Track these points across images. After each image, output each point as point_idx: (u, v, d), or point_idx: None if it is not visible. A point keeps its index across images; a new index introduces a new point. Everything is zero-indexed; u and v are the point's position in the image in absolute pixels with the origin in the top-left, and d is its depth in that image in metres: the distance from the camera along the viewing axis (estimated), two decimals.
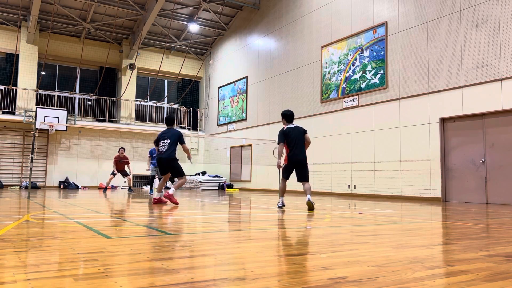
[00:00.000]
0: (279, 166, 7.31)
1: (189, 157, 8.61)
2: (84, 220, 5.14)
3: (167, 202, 8.20)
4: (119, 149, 14.79)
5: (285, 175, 7.39)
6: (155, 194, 8.25)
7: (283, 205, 7.41)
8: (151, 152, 14.01)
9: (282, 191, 7.52)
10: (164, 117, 8.62)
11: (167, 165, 8.09)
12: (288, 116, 7.37)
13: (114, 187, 19.99)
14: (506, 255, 2.91)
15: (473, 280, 2.17)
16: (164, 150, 7.99)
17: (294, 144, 7.10)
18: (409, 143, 12.01)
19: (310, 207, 6.82)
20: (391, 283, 2.07)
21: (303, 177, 7.24)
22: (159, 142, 8.13)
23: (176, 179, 8.34)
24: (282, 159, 7.28)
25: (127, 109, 21.50)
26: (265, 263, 2.56)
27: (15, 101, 18.86)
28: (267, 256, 2.82)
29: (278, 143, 7.18)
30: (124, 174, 14.64)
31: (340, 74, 14.51)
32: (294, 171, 7.30)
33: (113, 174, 14.53)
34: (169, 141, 8.00)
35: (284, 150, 7.27)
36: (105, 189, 15.08)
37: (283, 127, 7.29)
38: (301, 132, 7.27)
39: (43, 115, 17.75)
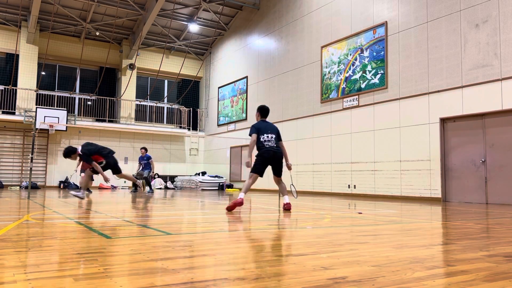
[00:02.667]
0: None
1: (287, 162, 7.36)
2: (84, 220, 5.14)
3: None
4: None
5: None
6: (241, 195, 6.71)
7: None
8: (138, 159, 14.65)
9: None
10: (260, 106, 7.52)
11: (279, 163, 7.12)
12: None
13: (114, 187, 19.98)
14: (506, 255, 2.91)
15: (473, 280, 2.16)
16: (274, 145, 7.02)
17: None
18: (409, 143, 12.01)
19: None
20: (391, 283, 2.07)
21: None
22: (262, 135, 7.03)
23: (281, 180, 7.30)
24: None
25: (127, 109, 21.51)
26: (265, 263, 2.56)
27: (15, 101, 18.86)
28: (267, 256, 2.82)
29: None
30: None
31: (340, 74, 14.51)
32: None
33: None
34: (274, 136, 7.12)
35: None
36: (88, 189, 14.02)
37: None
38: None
39: (43, 115, 17.75)
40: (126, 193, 14.51)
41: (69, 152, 8.96)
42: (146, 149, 14.64)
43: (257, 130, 7.09)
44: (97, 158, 9.24)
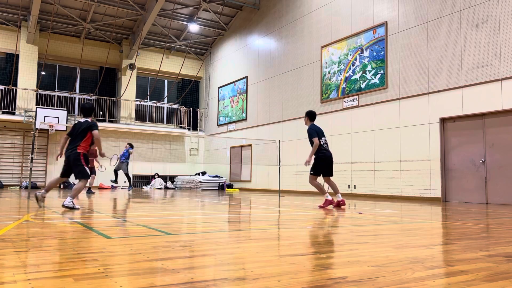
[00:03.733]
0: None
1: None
2: (84, 220, 5.14)
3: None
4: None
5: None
6: (329, 196, 7.53)
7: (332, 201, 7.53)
8: (124, 155, 15.44)
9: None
10: (308, 111, 8.06)
11: (332, 165, 7.70)
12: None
13: (114, 187, 19.99)
14: (506, 255, 2.91)
15: (473, 280, 2.17)
16: (328, 148, 7.70)
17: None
18: (409, 143, 12.01)
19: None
20: (391, 283, 2.07)
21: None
22: (320, 139, 7.58)
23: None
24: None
25: (127, 109, 21.51)
26: (265, 263, 2.56)
27: (15, 101, 18.86)
28: (267, 256, 2.82)
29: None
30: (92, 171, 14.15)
31: (340, 74, 14.51)
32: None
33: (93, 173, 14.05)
34: (326, 139, 7.90)
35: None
36: (89, 189, 13.96)
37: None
38: None
39: (43, 115, 17.75)
40: (126, 193, 14.51)
41: (91, 109, 7.07)
42: (130, 145, 15.60)
43: (317, 133, 7.66)
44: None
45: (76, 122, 6.89)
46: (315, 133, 7.53)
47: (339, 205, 7.47)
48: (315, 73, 15.62)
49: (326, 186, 7.93)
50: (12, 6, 18.47)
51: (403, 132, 12.20)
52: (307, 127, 7.97)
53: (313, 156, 7.60)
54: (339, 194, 7.59)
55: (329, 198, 7.50)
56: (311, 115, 7.91)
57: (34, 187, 17.81)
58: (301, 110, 16.03)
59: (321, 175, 7.65)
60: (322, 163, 7.54)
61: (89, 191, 13.77)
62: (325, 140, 7.71)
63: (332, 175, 7.69)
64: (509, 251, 3.11)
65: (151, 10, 18.71)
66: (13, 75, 18.85)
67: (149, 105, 22.54)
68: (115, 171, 15.35)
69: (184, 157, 22.81)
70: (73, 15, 19.12)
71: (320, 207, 7.54)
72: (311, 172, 7.64)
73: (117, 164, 15.01)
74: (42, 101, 19.71)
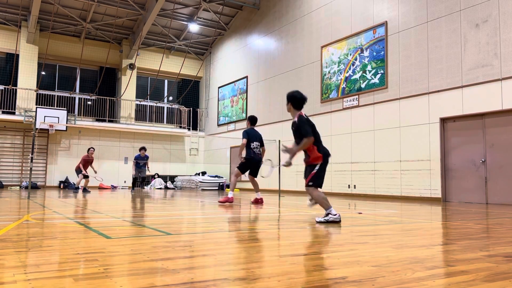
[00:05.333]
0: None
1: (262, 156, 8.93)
2: (84, 220, 5.14)
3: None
4: (89, 148, 14.51)
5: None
6: (230, 194, 8.40)
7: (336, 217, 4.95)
8: (136, 158, 14.83)
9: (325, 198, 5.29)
10: (250, 116, 8.94)
11: (258, 167, 8.62)
12: (300, 100, 5.56)
13: (114, 187, 19.99)
14: (506, 255, 2.91)
15: (473, 280, 2.16)
16: (258, 152, 8.58)
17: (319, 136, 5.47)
18: (409, 143, 12.00)
19: None
20: (391, 283, 2.07)
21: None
22: (251, 143, 8.49)
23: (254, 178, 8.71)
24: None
25: (127, 109, 21.50)
26: (265, 263, 2.56)
27: (15, 101, 18.85)
28: (267, 256, 2.82)
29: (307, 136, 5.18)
30: (86, 175, 14.23)
31: (340, 74, 14.51)
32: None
33: (81, 173, 14.09)
34: (259, 144, 8.59)
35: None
36: (76, 188, 14.52)
37: (301, 114, 5.51)
38: None
39: (43, 115, 17.75)
40: (126, 193, 14.52)
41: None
42: (145, 149, 14.91)
43: (248, 136, 8.58)
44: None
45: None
46: (246, 135, 8.43)
47: (257, 202, 8.43)
48: (315, 73, 15.62)
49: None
50: (12, 6, 18.47)
51: (403, 132, 12.20)
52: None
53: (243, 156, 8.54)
54: (259, 193, 8.62)
55: (230, 196, 8.31)
56: (251, 119, 8.79)
57: (34, 187, 17.82)
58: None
59: (246, 174, 8.65)
60: (248, 164, 8.46)
61: (85, 190, 14.06)
62: (257, 144, 8.52)
63: (256, 176, 8.63)
64: (509, 251, 3.11)
65: (151, 10, 18.71)
66: (13, 75, 18.85)
67: (149, 105, 22.54)
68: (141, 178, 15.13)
69: (184, 157, 22.81)
70: (73, 15, 19.12)
71: (220, 202, 8.50)
72: (237, 166, 8.58)
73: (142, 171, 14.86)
74: (42, 101, 19.70)
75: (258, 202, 8.46)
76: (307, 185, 5.09)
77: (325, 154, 5.17)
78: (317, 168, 5.07)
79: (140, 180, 15.05)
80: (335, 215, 4.87)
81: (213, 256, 2.76)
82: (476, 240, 3.73)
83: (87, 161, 14.22)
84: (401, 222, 5.35)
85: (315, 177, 5.04)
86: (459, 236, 4.01)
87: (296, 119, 5.35)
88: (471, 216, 6.50)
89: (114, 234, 3.87)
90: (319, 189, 5.08)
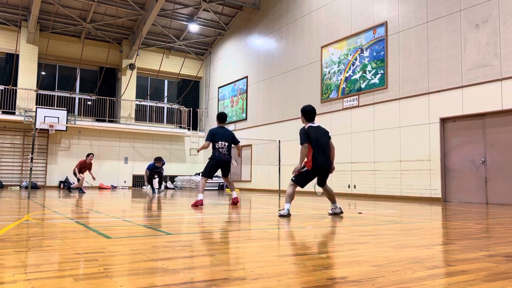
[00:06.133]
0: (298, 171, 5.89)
1: (239, 155, 8.55)
2: (84, 220, 5.14)
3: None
4: (89, 154, 14.02)
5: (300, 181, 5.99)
6: (200, 196, 7.77)
7: (289, 214, 5.77)
8: (150, 168, 13.84)
9: (291, 197, 5.90)
10: (218, 113, 8.42)
11: (227, 167, 8.21)
12: (308, 112, 6.15)
13: (114, 187, 19.99)
14: (506, 255, 2.91)
15: (473, 280, 2.16)
16: (226, 152, 8.04)
17: (319, 146, 5.94)
18: (409, 143, 12.00)
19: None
20: (391, 283, 2.07)
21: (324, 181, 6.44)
22: (216, 142, 7.97)
23: (226, 179, 8.45)
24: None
25: (127, 109, 21.50)
26: (265, 263, 2.56)
27: (15, 101, 18.86)
28: (267, 256, 2.82)
29: (302, 144, 5.84)
30: (79, 177, 13.83)
31: (340, 74, 14.51)
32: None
33: (78, 176, 13.77)
34: (227, 143, 8.03)
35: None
36: (80, 189, 13.90)
37: (305, 126, 6.08)
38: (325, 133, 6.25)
39: (43, 115, 17.75)
40: (126, 193, 14.51)
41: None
42: (161, 161, 13.96)
43: (212, 136, 8.12)
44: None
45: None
46: (210, 135, 8.01)
47: (234, 202, 8.21)
48: (315, 73, 15.62)
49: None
50: (12, 6, 18.47)
51: (403, 132, 12.20)
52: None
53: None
54: (234, 192, 8.42)
55: (200, 198, 7.72)
56: (218, 117, 8.27)
57: (34, 187, 17.82)
58: None
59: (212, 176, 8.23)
60: (213, 165, 8.05)
61: (81, 190, 13.77)
62: (224, 144, 7.98)
63: (227, 176, 8.34)
64: (509, 251, 3.11)
65: (151, 10, 18.71)
66: (13, 75, 18.85)
67: (149, 105, 22.54)
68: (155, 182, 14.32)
69: (184, 157, 22.81)
70: (73, 15, 19.12)
71: (192, 205, 7.82)
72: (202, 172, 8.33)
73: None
74: (42, 101, 19.71)
75: (234, 202, 8.19)
76: (291, 178, 5.97)
77: (317, 164, 5.87)
78: (303, 170, 5.87)
79: (159, 177, 14.02)
80: (287, 211, 5.71)
81: (213, 256, 2.76)
82: (476, 240, 3.73)
83: (84, 166, 13.82)
84: (401, 222, 5.35)
85: (298, 175, 5.88)
86: (459, 236, 4.01)
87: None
88: (471, 216, 6.50)
89: (114, 234, 3.87)
90: (298, 188, 5.96)
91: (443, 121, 11.29)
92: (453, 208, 8.26)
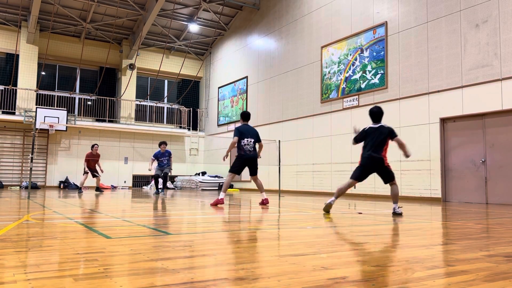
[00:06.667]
0: None
1: (259, 155, 8.50)
2: (84, 220, 5.14)
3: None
4: (93, 145, 13.82)
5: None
6: (222, 195, 7.93)
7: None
8: (156, 156, 12.97)
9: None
10: (242, 112, 8.59)
11: (254, 164, 8.24)
12: (370, 114, 7.16)
13: (114, 187, 19.99)
14: (506, 255, 2.91)
15: (473, 280, 2.16)
16: (252, 149, 8.13)
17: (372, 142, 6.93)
18: (409, 143, 11.95)
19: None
20: (391, 283, 2.07)
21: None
22: (242, 140, 8.06)
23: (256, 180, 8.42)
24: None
25: (127, 109, 21.50)
26: (265, 263, 2.56)
27: (15, 101, 18.86)
28: (267, 256, 2.82)
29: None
30: (94, 174, 13.68)
31: (340, 74, 14.51)
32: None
33: (86, 173, 13.57)
34: (253, 140, 8.14)
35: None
36: (80, 189, 13.73)
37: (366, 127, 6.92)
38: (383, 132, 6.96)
39: (43, 115, 17.74)
40: (126, 192, 14.51)
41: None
42: (166, 144, 13.16)
43: (240, 133, 8.15)
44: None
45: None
46: (238, 132, 8.11)
47: (263, 203, 8.21)
48: (315, 73, 15.62)
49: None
50: (12, 6, 18.47)
51: (403, 132, 12.20)
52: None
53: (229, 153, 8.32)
54: (264, 193, 8.38)
55: (221, 197, 7.85)
56: (242, 116, 8.46)
57: (34, 187, 17.82)
58: (301, 110, 16.03)
59: (240, 173, 8.34)
60: (240, 162, 8.13)
61: (80, 190, 13.62)
62: (250, 141, 8.08)
63: (255, 174, 8.31)
64: (509, 251, 3.11)
65: (151, 10, 18.71)
66: (13, 75, 18.85)
67: (149, 105, 22.54)
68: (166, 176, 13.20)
69: (184, 157, 22.81)
70: (73, 15, 19.12)
71: (211, 204, 7.97)
72: (229, 170, 8.25)
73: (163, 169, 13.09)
74: (42, 101, 19.70)
75: (263, 203, 8.24)
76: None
77: (363, 159, 6.87)
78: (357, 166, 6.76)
79: (164, 177, 12.95)
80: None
81: (213, 256, 2.77)
82: (476, 240, 3.73)
83: (92, 159, 13.60)
84: (401, 222, 5.35)
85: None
86: (459, 236, 4.01)
87: None
88: (471, 216, 6.50)
89: (114, 234, 3.87)
90: (353, 181, 6.96)
91: (443, 121, 11.29)
92: (453, 208, 8.26)
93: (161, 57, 21.02)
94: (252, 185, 18.91)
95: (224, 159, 8.43)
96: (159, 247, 3.10)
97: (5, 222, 4.65)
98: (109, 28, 20.54)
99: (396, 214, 6.27)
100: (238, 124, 8.57)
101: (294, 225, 4.93)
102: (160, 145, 13.03)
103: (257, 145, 8.33)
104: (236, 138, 8.02)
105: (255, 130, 8.37)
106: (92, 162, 13.69)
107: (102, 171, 13.94)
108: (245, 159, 8.07)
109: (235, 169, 8.12)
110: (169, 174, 13.14)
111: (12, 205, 7.69)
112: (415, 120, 11.88)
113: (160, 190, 13.15)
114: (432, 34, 11.55)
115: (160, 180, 13.30)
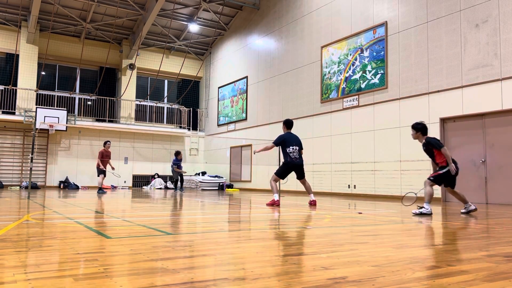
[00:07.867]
0: None
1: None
2: (84, 220, 5.14)
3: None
4: (106, 142, 13.69)
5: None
6: (276, 197, 8.18)
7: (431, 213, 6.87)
8: (175, 163, 16.28)
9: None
10: (286, 120, 9.12)
11: (301, 170, 8.57)
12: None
13: (114, 187, 19.99)
14: (506, 255, 2.91)
15: (473, 280, 2.17)
16: (297, 156, 8.47)
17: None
18: (409, 143, 11.99)
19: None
20: (391, 283, 2.07)
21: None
22: (287, 147, 8.46)
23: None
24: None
25: (127, 109, 21.50)
26: (265, 263, 2.56)
27: (15, 101, 18.86)
28: (267, 256, 2.82)
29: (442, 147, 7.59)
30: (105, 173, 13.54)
31: (340, 74, 14.51)
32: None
33: (102, 172, 13.36)
34: (298, 148, 8.50)
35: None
36: (101, 189, 13.50)
37: (427, 137, 7.67)
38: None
39: (43, 115, 17.75)
40: (126, 193, 14.51)
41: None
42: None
43: (285, 141, 8.66)
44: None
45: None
46: (281, 140, 8.60)
47: (311, 204, 8.37)
48: (315, 73, 15.62)
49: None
50: (12, 6, 18.47)
51: (403, 132, 12.19)
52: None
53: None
54: (312, 195, 8.57)
55: (277, 199, 8.16)
56: (286, 123, 8.91)
57: (34, 187, 17.81)
58: (301, 110, 16.02)
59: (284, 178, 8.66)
60: (286, 169, 8.49)
61: (101, 190, 13.50)
62: (295, 149, 8.44)
63: (302, 178, 8.61)
64: (509, 251, 3.11)
65: (151, 10, 18.71)
66: (13, 75, 18.84)
67: (149, 105, 22.54)
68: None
69: (184, 157, 22.80)
70: (73, 15, 19.12)
71: (267, 204, 8.30)
72: (275, 172, 8.61)
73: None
74: (42, 101, 19.70)
75: (311, 204, 8.37)
76: (428, 178, 7.18)
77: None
78: (444, 171, 7.13)
79: (181, 179, 16.23)
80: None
81: (213, 256, 2.77)
82: (476, 240, 3.73)
83: (105, 156, 13.40)
84: (401, 222, 5.35)
85: (437, 176, 7.14)
86: (459, 236, 4.01)
87: (425, 141, 7.41)
88: (471, 216, 6.50)
89: (114, 234, 3.87)
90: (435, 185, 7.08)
91: (443, 121, 11.29)
92: (453, 208, 8.26)
93: (161, 57, 21.02)
94: (252, 185, 18.92)
95: (254, 153, 9.14)
96: (159, 247, 3.10)
97: (5, 222, 4.65)
98: (109, 28, 20.54)
99: (470, 211, 7.06)
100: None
101: (294, 225, 4.93)
102: (177, 155, 16.51)
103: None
104: (272, 145, 8.57)
105: (298, 137, 8.71)
106: (105, 159, 13.47)
107: (113, 168, 13.93)
108: (292, 166, 8.40)
109: (280, 174, 8.45)
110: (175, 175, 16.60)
111: (12, 205, 7.69)
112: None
113: (180, 189, 16.12)
114: (432, 34, 11.55)
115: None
